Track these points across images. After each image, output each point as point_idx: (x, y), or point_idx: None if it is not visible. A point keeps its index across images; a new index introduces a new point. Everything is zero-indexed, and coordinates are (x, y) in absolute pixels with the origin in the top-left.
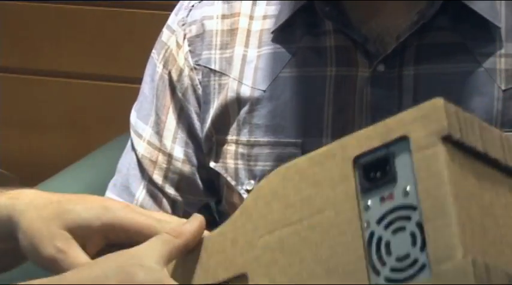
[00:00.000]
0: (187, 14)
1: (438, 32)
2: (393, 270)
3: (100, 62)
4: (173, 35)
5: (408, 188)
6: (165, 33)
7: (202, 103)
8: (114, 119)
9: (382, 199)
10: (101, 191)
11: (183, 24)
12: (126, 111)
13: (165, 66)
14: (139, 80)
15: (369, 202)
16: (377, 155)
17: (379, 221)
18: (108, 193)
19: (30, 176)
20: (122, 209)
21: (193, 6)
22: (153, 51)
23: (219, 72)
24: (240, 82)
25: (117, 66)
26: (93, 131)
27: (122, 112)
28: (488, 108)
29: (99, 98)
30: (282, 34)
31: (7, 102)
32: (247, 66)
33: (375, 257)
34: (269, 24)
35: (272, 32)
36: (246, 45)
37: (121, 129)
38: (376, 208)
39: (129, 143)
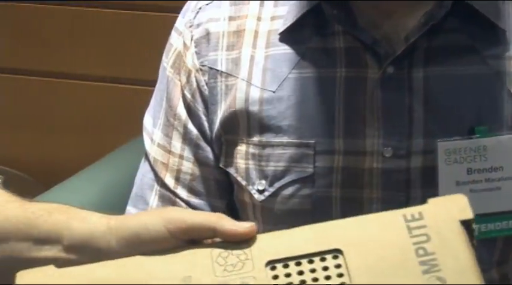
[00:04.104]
0: (194, 16)
1: (447, 33)
2: None
3: (114, 64)
4: (180, 36)
5: None
6: (173, 36)
7: (210, 105)
8: (129, 121)
9: None
10: (116, 193)
11: (190, 26)
12: (140, 113)
13: (173, 68)
14: (153, 82)
15: None
16: None
17: None
18: (128, 206)
19: (46, 178)
20: (180, 212)
21: (200, 8)
22: (164, 54)
23: (225, 73)
24: (249, 83)
25: (131, 68)
26: (107, 133)
27: (137, 115)
28: (498, 111)
29: (114, 100)
30: (290, 35)
31: (22, 104)
32: (256, 67)
33: None
34: (277, 25)
35: (280, 33)
36: (254, 46)
37: (136, 131)
38: None
39: (144, 154)
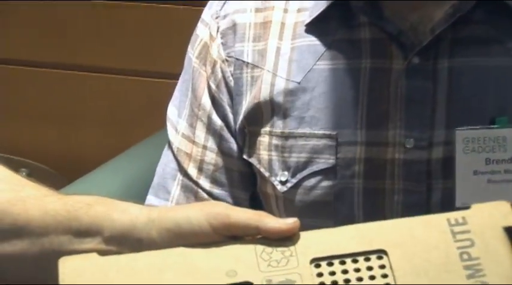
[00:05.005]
0: (221, 8)
1: (473, 25)
2: None
3: (140, 58)
4: (207, 27)
5: None
6: (199, 27)
7: (235, 96)
8: (153, 115)
9: None
10: (138, 186)
11: (217, 17)
12: (164, 106)
13: (199, 59)
14: (178, 76)
15: None
16: None
17: None
18: (148, 195)
19: (70, 171)
20: (224, 208)
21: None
22: (189, 45)
23: (251, 64)
24: (274, 74)
25: (156, 61)
26: (132, 127)
27: (161, 108)
28: None
29: (138, 94)
30: (316, 26)
31: (47, 97)
32: (281, 58)
33: None
34: (303, 17)
35: (306, 25)
36: (280, 37)
37: (159, 125)
38: None
39: (166, 144)
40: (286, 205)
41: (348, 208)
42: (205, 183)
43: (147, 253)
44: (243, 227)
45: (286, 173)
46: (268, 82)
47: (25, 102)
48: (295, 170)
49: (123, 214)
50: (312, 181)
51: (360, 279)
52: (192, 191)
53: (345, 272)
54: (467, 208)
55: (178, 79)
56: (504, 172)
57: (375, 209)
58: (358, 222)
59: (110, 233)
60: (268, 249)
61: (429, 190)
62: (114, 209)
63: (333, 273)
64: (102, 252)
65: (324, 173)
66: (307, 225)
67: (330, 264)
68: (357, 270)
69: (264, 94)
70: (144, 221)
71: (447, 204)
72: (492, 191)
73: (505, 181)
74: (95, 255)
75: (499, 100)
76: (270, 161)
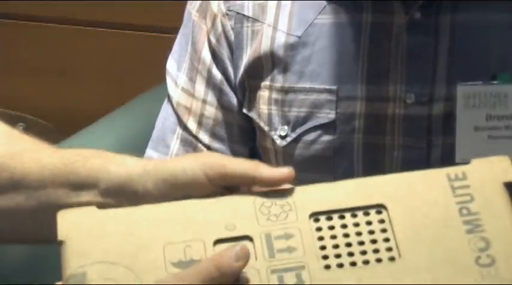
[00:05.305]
0: None
1: None
2: None
3: (137, 12)
4: None
5: None
6: None
7: (235, 49)
8: (150, 69)
9: None
10: (136, 141)
11: None
12: (162, 61)
13: (199, 12)
14: (176, 30)
15: None
16: None
17: None
18: (147, 149)
19: (67, 126)
20: (220, 158)
21: None
22: None
23: (252, 18)
24: (274, 28)
25: (154, 15)
26: (129, 81)
27: (158, 63)
28: None
29: (136, 48)
30: None
31: (44, 51)
32: (282, 12)
33: None
34: None
35: None
36: None
37: (157, 79)
38: None
39: (166, 98)
40: (285, 159)
41: (348, 163)
42: (204, 137)
43: (145, 206)
44: (238, 177)
45: (285, 127)
46: (268, 36)
47: (22, 56)
48: (295, 125)
49: (119, 166)
50: (312, 136)
51: (359, 233)
52: (191, 145)
53: (344, 226)
54: (467, 163)
55: (176, 33)
56: (505, 128)
57: (375, 165)
58: (358, 177)
59: (106, 186)
60: (267, 203)
61: (429, 146)
62: (111, 161)
63: (332, 228)
64: (100, 205)
65: (324, 127)
66: (306, 180)
67: (329, 218)
68: (356, 224)
69: (265, 48)
70: (140, 173)
71: (447, 160)
72: (492, 148)
73: (506, 137)
74: (93, 208)
75: (501, 57)
76: (269, 115)
